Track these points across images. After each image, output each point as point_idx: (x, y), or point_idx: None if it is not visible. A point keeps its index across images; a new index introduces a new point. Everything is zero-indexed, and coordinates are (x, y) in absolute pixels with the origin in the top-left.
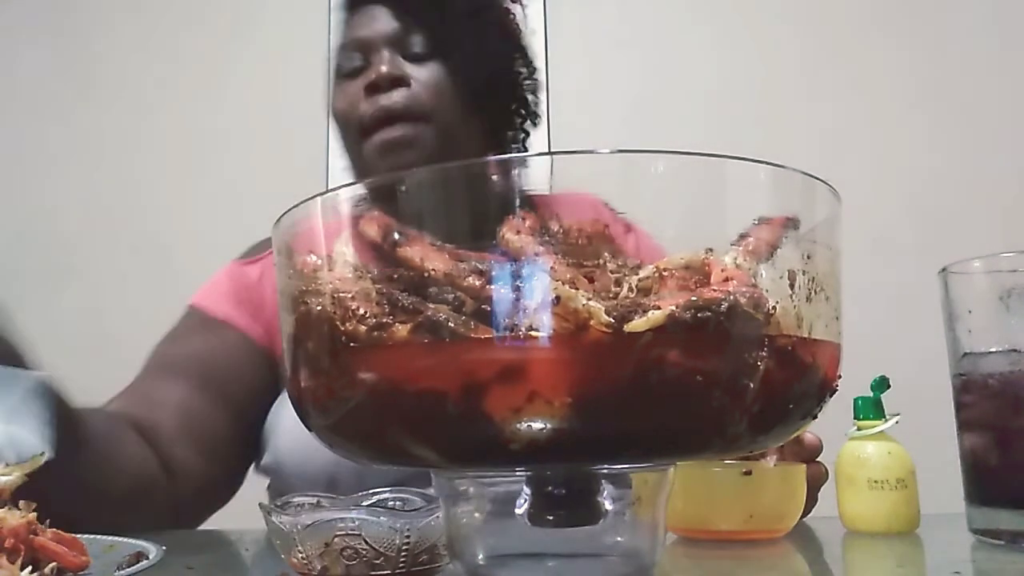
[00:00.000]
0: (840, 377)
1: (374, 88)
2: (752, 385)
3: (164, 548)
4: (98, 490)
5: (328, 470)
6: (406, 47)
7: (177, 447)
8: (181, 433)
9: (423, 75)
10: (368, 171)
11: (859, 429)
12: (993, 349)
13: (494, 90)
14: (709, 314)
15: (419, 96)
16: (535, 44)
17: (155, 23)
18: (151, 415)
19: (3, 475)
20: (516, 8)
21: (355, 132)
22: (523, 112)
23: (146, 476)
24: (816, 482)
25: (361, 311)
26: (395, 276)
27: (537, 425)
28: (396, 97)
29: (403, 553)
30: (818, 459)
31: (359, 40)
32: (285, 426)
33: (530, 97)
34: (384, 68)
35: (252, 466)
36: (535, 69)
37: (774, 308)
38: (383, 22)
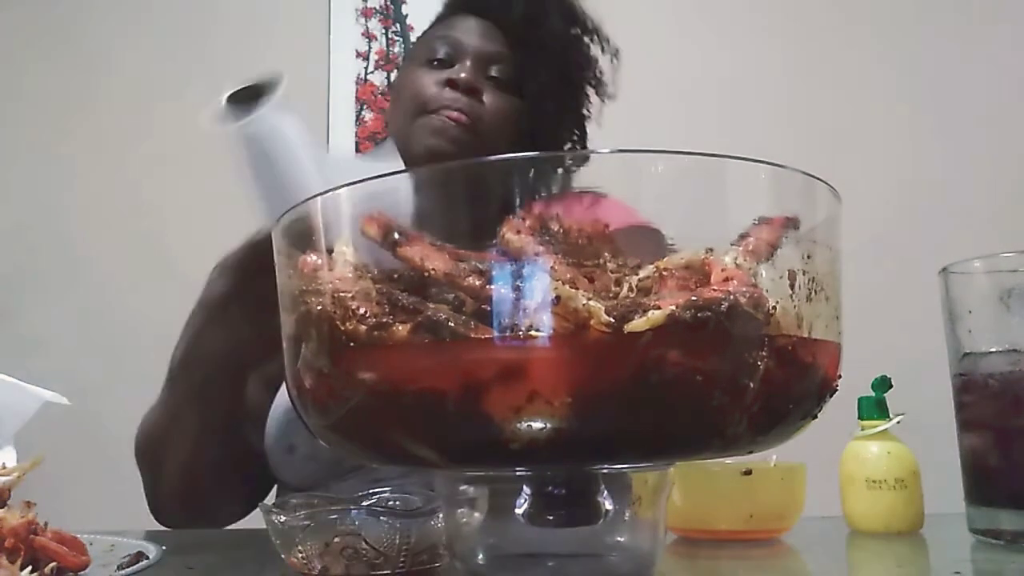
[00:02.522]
0: (840, 377)
1: (453, 85)
2: (752, 385)
3: (164, 548)
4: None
5: (288, 436)
6: (490, 67)
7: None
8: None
9: (495, 101)
10: (410, 147)
11: (862, 429)
12: (993, 349)
13: (553, 131)
14: (709, 314)
15: (484, 115)
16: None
17: (155, 23)
18: None
19: (3, 475)
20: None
21: (415, 110)
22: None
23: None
24: None
25: (361, 311)
26: (395, 276)
27: (537, 425)
28: (465, 101)
29: (403, 553)
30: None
31: (454, 39)
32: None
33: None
34: (467, 75)
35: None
36: (590, 113)
37: (774, 308)
38: (479, 36)
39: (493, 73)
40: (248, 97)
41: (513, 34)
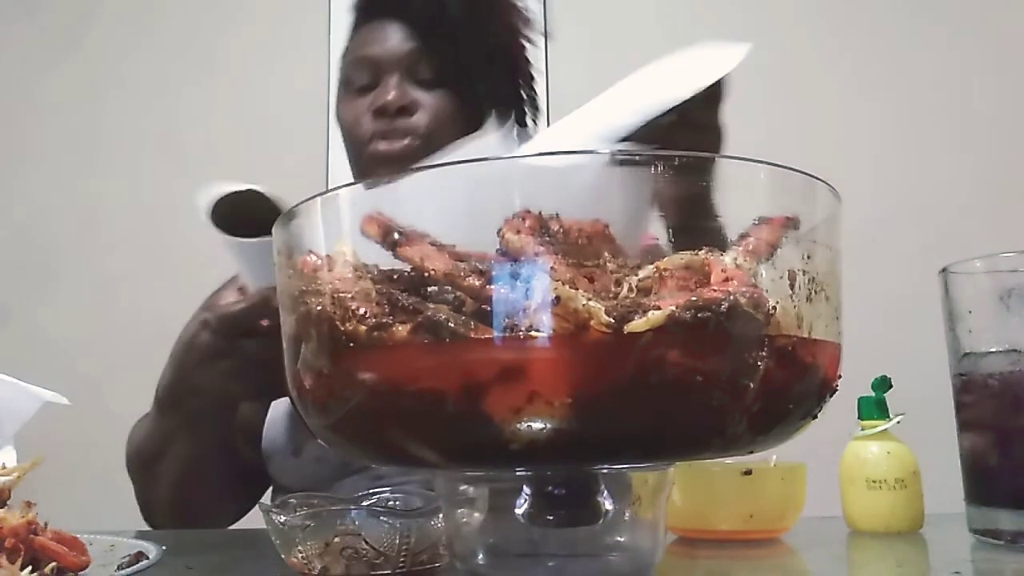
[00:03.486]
0: (840, 377)
1: (381, 112)
2: (752, 385)
3: (164, 548)
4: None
5: (295, 440)
6: (416, 71)
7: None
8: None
9: (430, 101)
10: (366, 176)
11: (862, 429)
12: (993, 349)
13: (498, 118)
14: (709, 314)
15: (421, 127)
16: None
17: (155, 23)
18: None
19: (3, 475)
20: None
21: (356, 142)
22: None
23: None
24: None
25: (361, 311)
26: (395, 276)
27: (537, 425)
28: (400, 124)
29: (403, 553)
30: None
31: (370, 58)
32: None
33: (530, 125)
34: (392, 95)
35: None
36: (536, 95)
37: (774, 308)
38: (396, 42)
39: (420, 75)
40: (232, 204)
41: (423, 26)
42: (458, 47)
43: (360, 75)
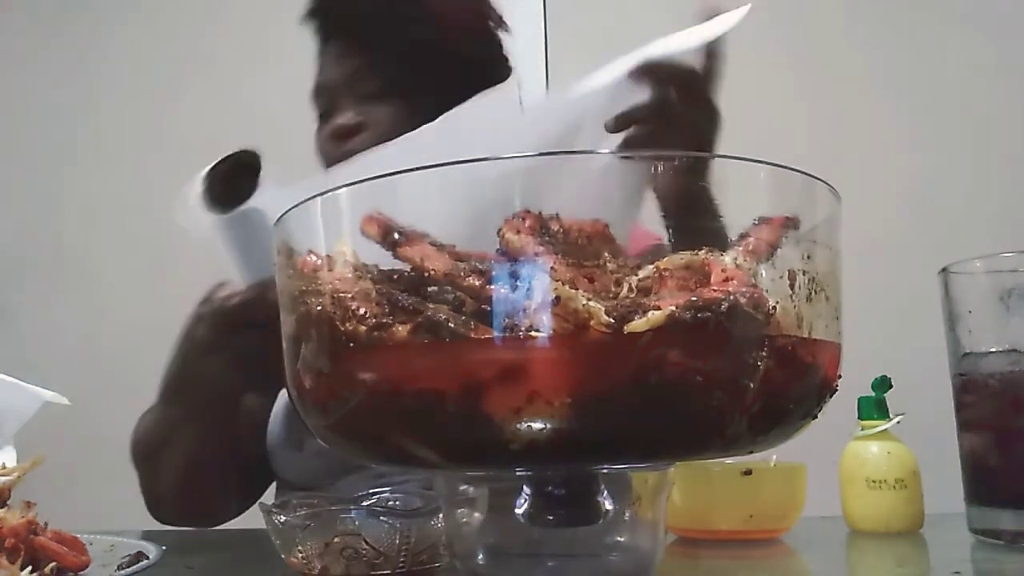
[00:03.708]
0: (840, 377)
1: (335, 137)
2: (752, 385)
3: (164, 548)
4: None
5: (297, 433)
6: (361, 88)
7: None
8: None
9: (381, 114)
10: None
11: (862, 429)
12: (993, 349)
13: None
14: (709, 314)
15: (375, 140)
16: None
17: (155, 23)
18: None
19: (3, 475)
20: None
21: (327, 166)
22: None
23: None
24: None
25: (361, 311)
26: (395, 276)
27: (537, 425)
28: (352, 145)
29: (403, 553)
30: None
31: (322, 86)
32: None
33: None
34: (340, 119)
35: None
36: (508, 66)
37: (774, 308)
38: (342, 62)
39: (366, 91)
40: (227, 171)
41: (360, 40)
42: (401, 55)
43: (319, 103)
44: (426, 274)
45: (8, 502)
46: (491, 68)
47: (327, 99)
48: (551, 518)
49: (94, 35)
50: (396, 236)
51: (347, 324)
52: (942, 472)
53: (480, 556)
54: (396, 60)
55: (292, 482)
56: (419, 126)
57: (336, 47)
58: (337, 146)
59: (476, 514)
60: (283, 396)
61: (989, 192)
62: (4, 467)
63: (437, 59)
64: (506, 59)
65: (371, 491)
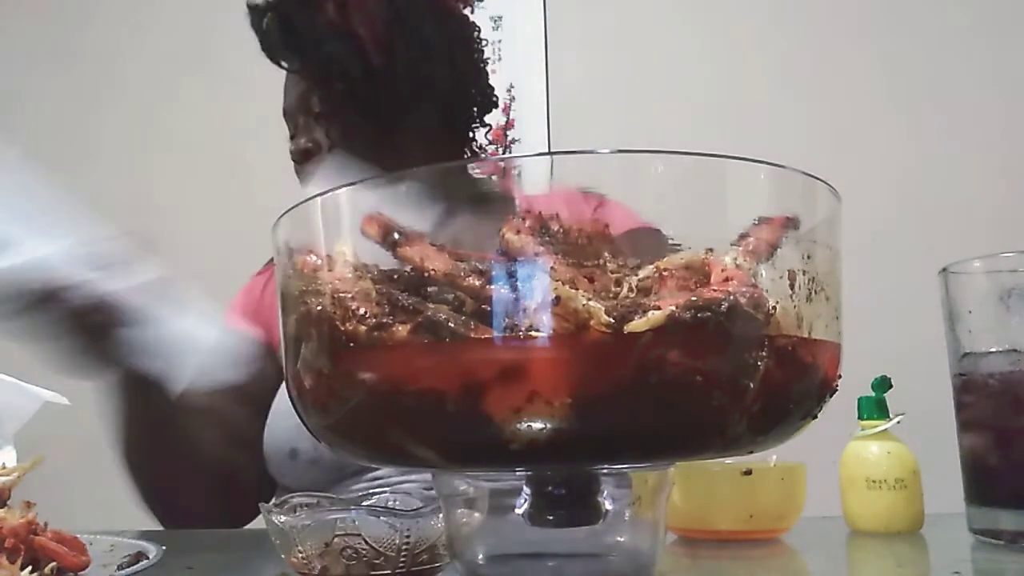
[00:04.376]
0: (840, 377)
1: (296, 159)
2: (752, 385)
3: (164, 548)
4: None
5: (290, 441)
6: (311, 110)
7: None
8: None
9: (334, 137)
10: None
11: (862, 429)
12: (993, 349)
13: (410, 102)
14: (709, 314)
15: (328, 155)
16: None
17: (155, 24)
18: None
19: (3, 475)
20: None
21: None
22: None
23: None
24: None
25: (361, 311)
26: (395, 276)
27: (537, 425)
28: (310, 166)
29: (403, 553)
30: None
31: (285, 110)
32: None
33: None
34: (296, 142)
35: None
36: (483, 86)
37: (774, 308)
38: (295, 86)
39: (318, 110)
40: None
41: (296, 60)
42: (326, 74)
43: (289, 128)
44: (426, 274)
45: (8, 502)
46: (438, 83)
47: (291, 122)
48: (551, 518)
49: (95, 36)
50: (396, 236)
51: (347, 324)
52: (942, 472)
53: (480, 556)
54: (329, 81)
55: (289, 488)
56: (366, 142)
57: (288, 73)
58: (300, 168)
59: (476, 514)
60: (275, 405)
61: (989, 192)
62: (4, 467)
63: (368, 76)
64: (459, 71)
65: (371, 491)
